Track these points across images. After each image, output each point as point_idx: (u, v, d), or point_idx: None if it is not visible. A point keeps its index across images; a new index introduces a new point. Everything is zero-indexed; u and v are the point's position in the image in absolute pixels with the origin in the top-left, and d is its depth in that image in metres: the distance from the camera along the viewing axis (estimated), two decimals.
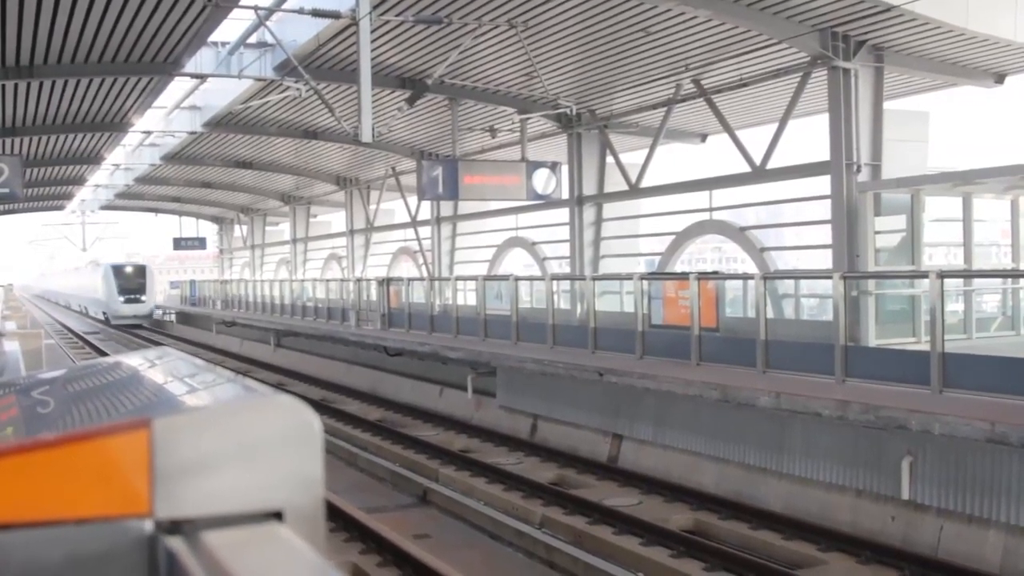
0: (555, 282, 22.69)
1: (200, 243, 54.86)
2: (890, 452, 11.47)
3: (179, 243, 52.86)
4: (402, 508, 14.18)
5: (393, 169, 35.38)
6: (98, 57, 20.30)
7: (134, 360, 2.52)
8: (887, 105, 18.44)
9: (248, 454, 1.24)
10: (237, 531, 1.20)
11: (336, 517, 12.26)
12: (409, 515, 13.68)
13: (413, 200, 34.87)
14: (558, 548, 11.28)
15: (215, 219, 59.73)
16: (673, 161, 32.06)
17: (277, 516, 1.24)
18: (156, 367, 2.34)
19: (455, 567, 10.01)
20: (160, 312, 57.59)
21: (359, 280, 32.14)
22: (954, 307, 17.50)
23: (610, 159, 25.75)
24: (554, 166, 22.97)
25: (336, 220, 47.27)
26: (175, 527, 1.20)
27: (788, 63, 19.29)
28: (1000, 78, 19.96)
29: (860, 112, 17.68)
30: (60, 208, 54.57)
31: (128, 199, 50.90)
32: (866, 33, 17.35)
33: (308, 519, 1.26)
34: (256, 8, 18.54)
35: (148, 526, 1.19)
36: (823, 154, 18.35)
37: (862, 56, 17.66)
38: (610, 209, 26.34)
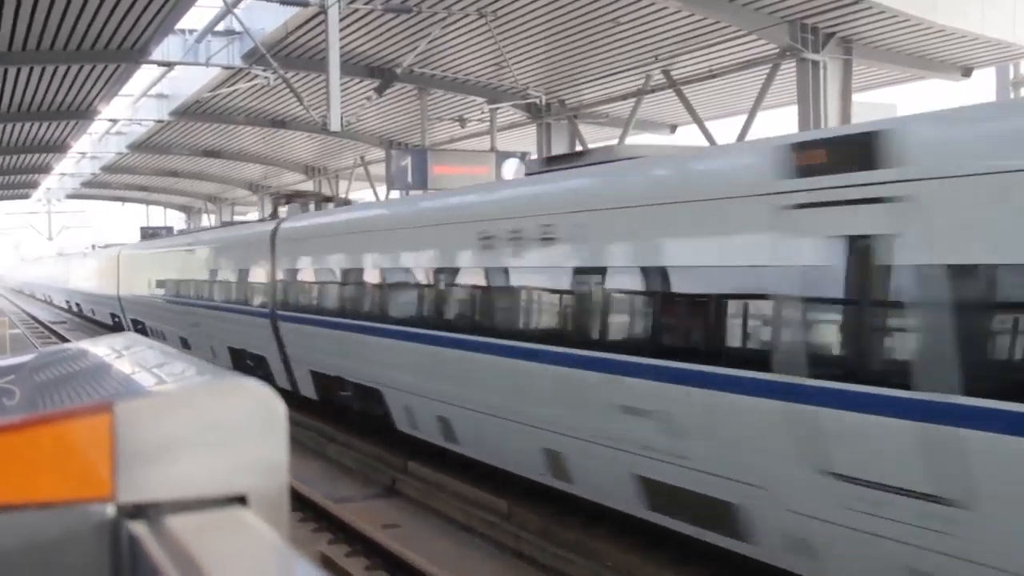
0: None
1: (168, 232, 54.41)
2: None
3: (146, 232, 52.37)
4: (371, 498, 14.15)
5: (362, 158, 35.26)
6: (64, 44, 20.04)
7: (99, 347, 2.48)
8: (855, 97, 18.57)
9: (212, 438, 1.23)
10: (200, 515, 1.19)
11: (305, 507, 12.22)
12: (378, 505, 13.66)
13: (382, 189, 34.75)
14: (527, 539, 11.29)
15: (183, 208, 59.35)
16: None
17: (241, 500, 1.23)
18: (122, 355, 2.30)
19: (424, 556, 10.01)
20: None
21: None
22: None
23: (579, 149, 25.76)
24: (523, 156, 22.99)
25: None
26: (138, 511, 1.18)
27: (757, 55, 19.37)
28: (967, 71, 20.12)
29: (828, 104, 17.77)
30: (25, 197, 53.99)
31: (95, 188, 50.55)
32: (835, 25, 17.44)
33: (272, 503, 1.25)
34: None
35: (110, 510, 1.18)
36: None
37: (831, 48, 17.75)
38: None
